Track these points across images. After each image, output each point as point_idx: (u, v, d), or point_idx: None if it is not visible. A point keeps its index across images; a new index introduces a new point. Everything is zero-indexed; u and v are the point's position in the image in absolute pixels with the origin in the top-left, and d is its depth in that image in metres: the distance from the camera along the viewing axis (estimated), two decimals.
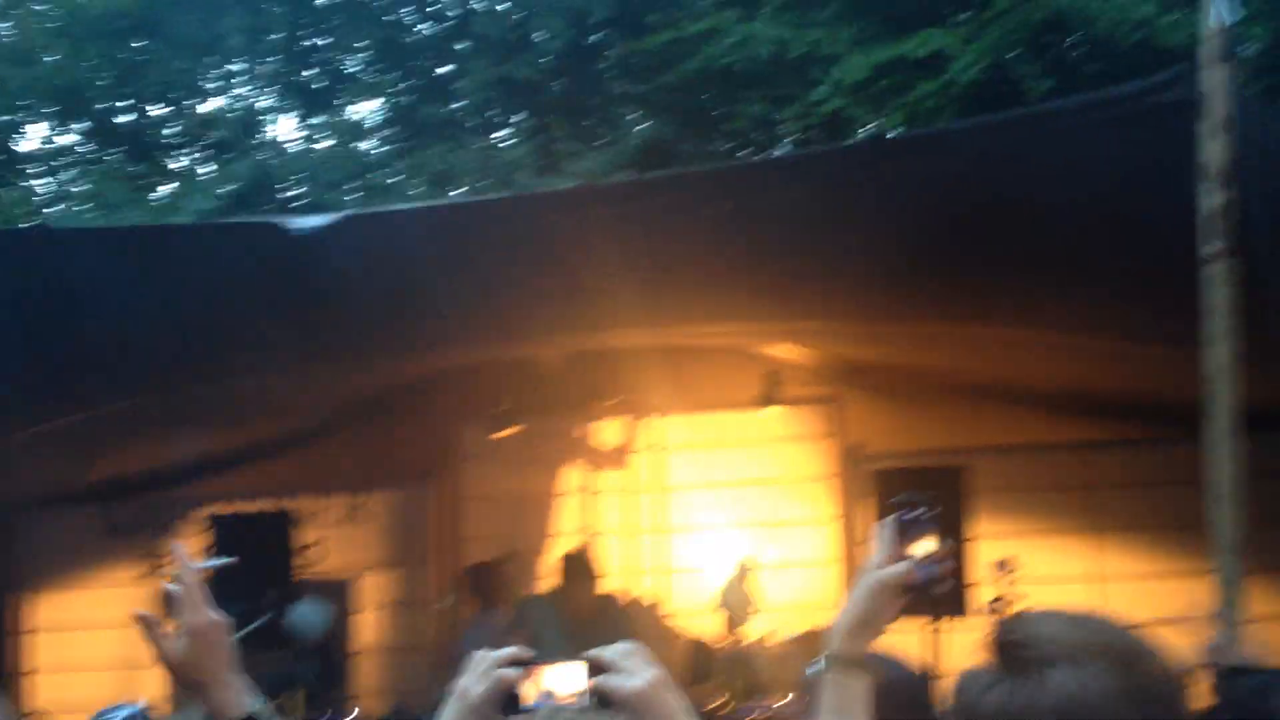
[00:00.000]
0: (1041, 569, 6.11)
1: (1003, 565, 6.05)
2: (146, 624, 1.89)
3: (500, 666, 1.74)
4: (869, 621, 1.88)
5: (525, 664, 1.74)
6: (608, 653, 1.74)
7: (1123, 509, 6.50)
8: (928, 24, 9.83)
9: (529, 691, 1.73)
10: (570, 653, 1.71)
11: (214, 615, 1.88)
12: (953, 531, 6.08)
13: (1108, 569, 6.42)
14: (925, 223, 4.03)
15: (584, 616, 6.43)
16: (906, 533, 1.88)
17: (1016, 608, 5.71)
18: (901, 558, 1.87)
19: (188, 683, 1.87)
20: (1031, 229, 4.02)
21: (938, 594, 1.88)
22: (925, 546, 1.87)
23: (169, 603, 1.88)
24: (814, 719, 1.84)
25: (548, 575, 6.70)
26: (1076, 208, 3.81)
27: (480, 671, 1.75)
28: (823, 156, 5.26)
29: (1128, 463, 6.48)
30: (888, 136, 8.87)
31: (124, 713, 3.32)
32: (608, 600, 6.63)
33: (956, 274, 4.49)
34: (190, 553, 1.96)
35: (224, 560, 2.29)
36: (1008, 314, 4.97)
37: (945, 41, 9.60)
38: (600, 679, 1.71)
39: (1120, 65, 8.82)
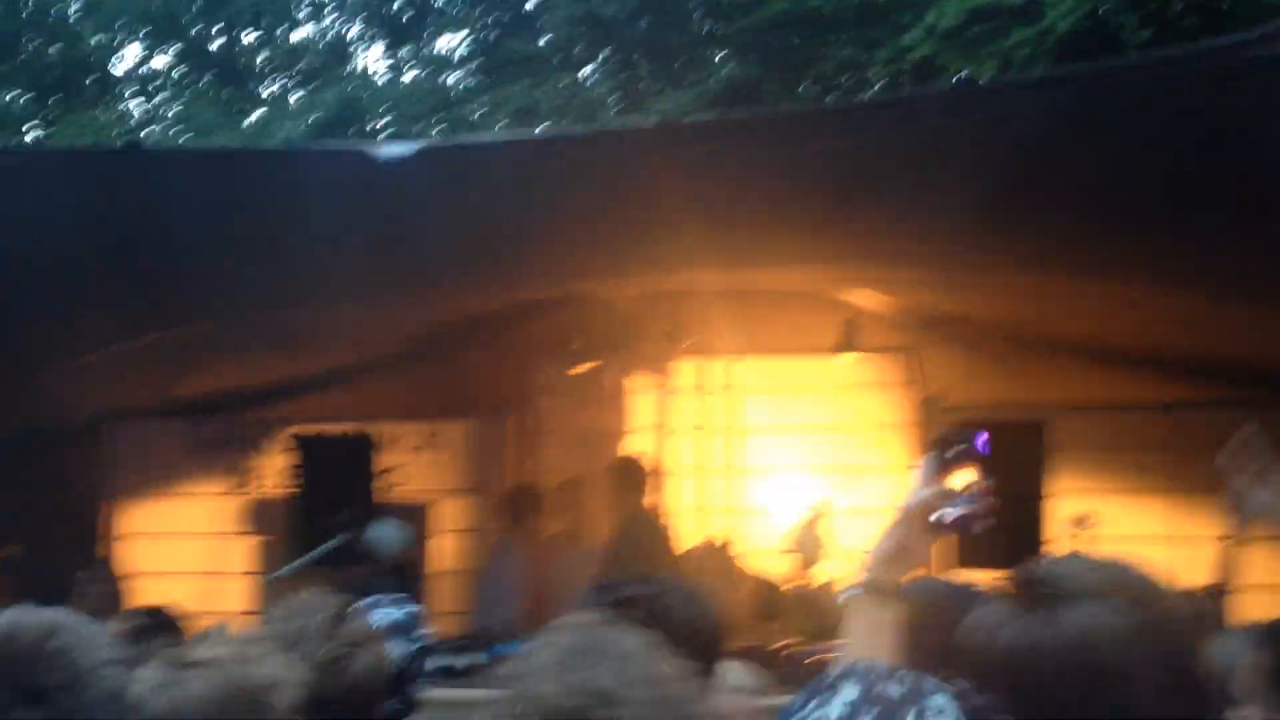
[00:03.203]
0: (1120, 528, 6.02)
1: (1080, 521, 5.97)
2: None
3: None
4: (901, 552, 1.88)
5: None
6: None
7: (1206, 471, 6.36)
8: None
9: None
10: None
11: None
12: (1031, 487, 6.02)
13: (1189, 530, 6.30)
14: (1012, 173, 3.95)
15: (619, 527, 6.35)
16: (945, 469, 1.88)
17: None
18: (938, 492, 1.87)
19: None
20: (1121, 182, 3.92)
21: (976, 530, 1.87)
22: (962, 481, 1.87)
23: None
24: (844, 645, 1.85)
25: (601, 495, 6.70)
26: (1169, 162, 3.71)
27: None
28: (910, 101, 5.17)
29: (1211, 424, 6.31)
30: (980, 83, 8.65)
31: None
32: (644, 514, 6.52)
33: (1042, 226, 4.42)
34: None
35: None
36: (1093, 269, 4.87)
37: None
38: None
39: (1218, 21, 8.49)
